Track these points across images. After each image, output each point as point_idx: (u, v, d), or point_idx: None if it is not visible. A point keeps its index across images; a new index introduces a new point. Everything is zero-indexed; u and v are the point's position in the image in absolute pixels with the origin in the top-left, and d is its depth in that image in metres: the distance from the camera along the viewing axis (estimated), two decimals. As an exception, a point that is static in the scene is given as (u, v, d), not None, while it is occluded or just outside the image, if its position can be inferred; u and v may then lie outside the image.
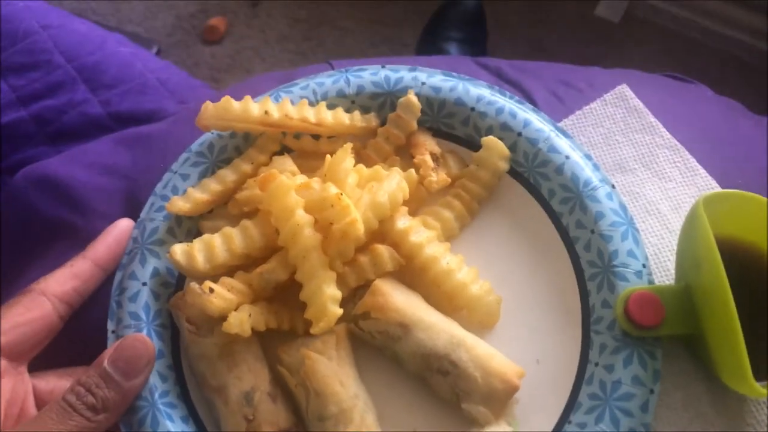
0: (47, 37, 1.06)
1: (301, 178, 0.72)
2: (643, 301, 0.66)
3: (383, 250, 0.70)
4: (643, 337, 0.67)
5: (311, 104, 0.78)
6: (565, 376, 0.69)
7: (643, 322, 0.65)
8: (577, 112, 0.86)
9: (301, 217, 0.67)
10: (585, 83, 0.90)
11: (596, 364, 0.68)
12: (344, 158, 0.71)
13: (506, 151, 0.76)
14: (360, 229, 0.67)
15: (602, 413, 0.64)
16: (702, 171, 0.81)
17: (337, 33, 2.22)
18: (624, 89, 0.87)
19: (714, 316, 0.61)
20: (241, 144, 0.80)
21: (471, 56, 0.97)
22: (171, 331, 0.72)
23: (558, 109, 0.87)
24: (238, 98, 0.76)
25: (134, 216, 0.78)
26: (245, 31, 2.26)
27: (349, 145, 0.71)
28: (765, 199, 0.66)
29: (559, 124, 0.84)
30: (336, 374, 0.65)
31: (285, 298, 0.71)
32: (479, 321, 0.71)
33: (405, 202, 0.73)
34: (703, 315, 0.64)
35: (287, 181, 0.68)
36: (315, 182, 0.71)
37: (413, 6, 2.21)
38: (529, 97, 0.89)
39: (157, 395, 0.67)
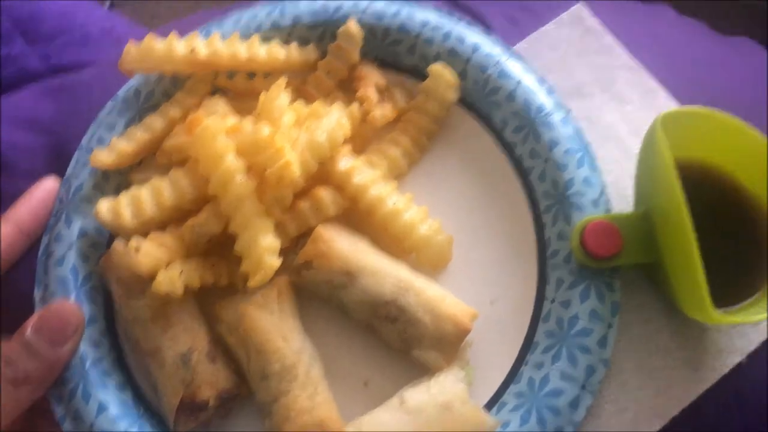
0: None
1: (231, 120, 0.66)
2: (599, 231, 0.62)
3: (325, 193, 0.66)
4: (601, 270, 0.63)
5: (244, 39, 0.72)
6: (521, 315, 0.66)
7: (600, 253, 0.61)
8: (532, 35, 0.80)
9: (232, 162, 0.62)
10: (543, 5, 0.84)
11: (553, 301, 0.64)
12: (278, 95, 0.65)
13: (454, 79, 0.70)
14: (295, 172, 0.62)
15: (559, 351, 0.61)
16: (662, 92, 0.76)
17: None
18: (580, 9, 0.81)
19: (672, 240, 0.58)
20: (169, 88, 0.74)
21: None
22: (104, 294, 0.67)
23: (512, 33, 0.81)
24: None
25: (62, 173, 0.72)
26: (205, -23, 2.13)
27: (283, 80, 0.66)
28: (727, 116, 0.62)
29: (513, 49, 0.78)
30: (278, 329, 0.61)
31: (222, 251, 0.66)
32: (430, 262, 0.67)
33: (349, 141, 0.68)
34: (662, 241, 0.60)
35: (215, 124, 0.63)
36: (247, 123, 0.65)
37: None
38: (483, 23, 0.83)
39: (88, 364, 0.63)
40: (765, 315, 0.55)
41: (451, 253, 0.68)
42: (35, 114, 0.79)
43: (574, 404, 0.60)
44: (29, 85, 0.85)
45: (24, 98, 0.82)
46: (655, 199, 0.61)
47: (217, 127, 0.63)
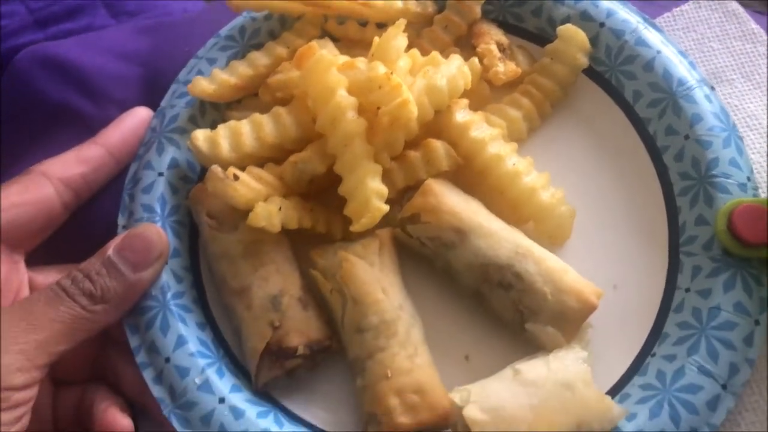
0: None
1: (344, 58, 0.61)
2: (751, 215, 0.54)
3: (438, 145, 0.60)
4: (748, 259, 0.56)
5: (359, -17, 0.67)
6: (648, 303, 0.58)
7: (752, 238, 0.54)
8: (666, 14, 0.74)
9: (343, 98, 0.57)
10: None
11: (687, 290, 0.57)
12: (396, 36, 0.60)
13: (587, 42, 0.64)
14: (413, 112, 0.56)
15: (696, 343, 0.53)
16: (814, 85, 0.69)
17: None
18: (721, -10, 0.75)
19: None
20: (276, 28, 0.69)
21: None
22: (189, 229, 0.62)
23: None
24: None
25: (153, 106, 0.68)
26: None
27: (402, 22, 0.60)
28: None
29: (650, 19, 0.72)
30: (378, 281, 0.55)
31: (322, 198, 0.61)
32: (549, 235, 0.61)
33: (465, 97, 0.62)
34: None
35: (328, 57, 0.58)
36: (360, 62, 0.60)
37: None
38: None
39: (169, 295, 0.57)
40: None
41: (571, 227, 0.61)
42: (129, 47, 0.76)
43: (712, 404, 0.51)
44: (123, 24, 0.82)
45: (118, 32, 0.79)
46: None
47: (331, 60, 0.58)
